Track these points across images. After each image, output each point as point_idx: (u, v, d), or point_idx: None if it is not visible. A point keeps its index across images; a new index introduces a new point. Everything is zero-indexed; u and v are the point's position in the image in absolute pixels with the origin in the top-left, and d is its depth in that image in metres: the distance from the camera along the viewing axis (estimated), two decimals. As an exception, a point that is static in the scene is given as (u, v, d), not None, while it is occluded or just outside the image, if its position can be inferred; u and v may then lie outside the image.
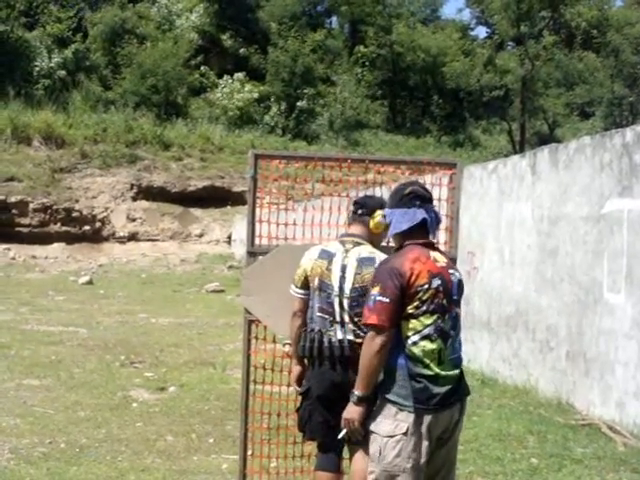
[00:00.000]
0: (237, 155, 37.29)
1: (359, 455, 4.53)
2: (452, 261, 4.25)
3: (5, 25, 41.49)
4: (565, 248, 8.69)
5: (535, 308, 9.24)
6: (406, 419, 3.80)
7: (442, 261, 3.99)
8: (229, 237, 33.84)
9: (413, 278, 3.81)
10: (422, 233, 4.01)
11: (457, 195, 5.35)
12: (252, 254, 5.37)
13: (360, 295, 4.46)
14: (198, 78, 47.02)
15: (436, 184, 5.56)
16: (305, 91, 45.35)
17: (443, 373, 3.86)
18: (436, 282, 3.86)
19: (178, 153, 37.43)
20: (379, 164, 5.89)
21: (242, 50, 50.20)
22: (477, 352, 10.44)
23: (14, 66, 39.70)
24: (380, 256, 4.53)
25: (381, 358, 3.82)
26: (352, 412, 3.98)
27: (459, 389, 3.98)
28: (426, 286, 3.83)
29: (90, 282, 22.27)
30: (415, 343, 3.82)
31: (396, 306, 3.79)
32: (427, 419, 3.81)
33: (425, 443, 3.82)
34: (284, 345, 5.52)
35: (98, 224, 33.24)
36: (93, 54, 45.72)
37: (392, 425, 3.83)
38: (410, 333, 3.83)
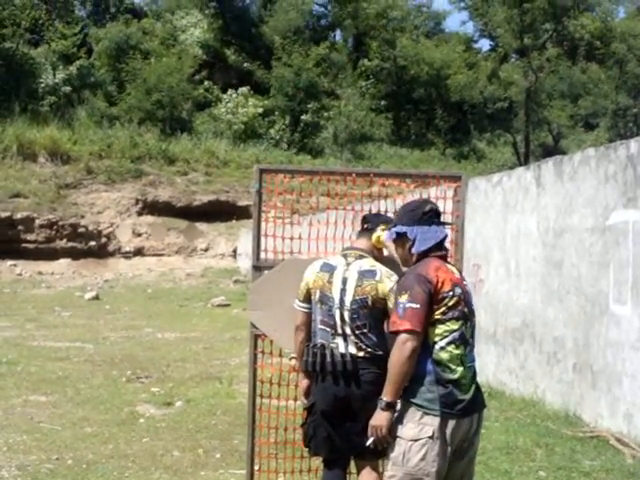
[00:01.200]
0: (242, 169, 37.33)
1: (366, 471, 4.53)
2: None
3: (11, 42, 41.67)
4: (571, 260, 8.69)
5: (541, 320, 9.23)
6: (432, 423, 3.82)
7: (457, 273, 4.12)
8: (234, 251, 33.84)
9: (440, 284, 3.90)
10: (440, 248, 4.14)
11: (462, 208, 5.35)
12: (258, 268, 5.38)
13: (360, 307, 4.51)
14: (202, 93, 47.10)
15: (441, 197, 5.57)
16: (309, 105, 45.41)
17: (465, 380, 3.92)
18: (458, 290, 3.97)
19: (183, 168, 37.46)
20: (384, 177, 5.90)
21: (246, 65, 50.33)
22: (484, 365, 10.42)
23: (20, 83, 39.79)
24: (381, 269, 4.57)
25: (412, 363, 3.82)
26: (380, 419, 3.92)
27: (477, 399, 4.02)
28: (451, 293, 3.92)
29: (96, 297, 22.30)
30: (443, 348, 3.88)
31: (426, 311, 3.84)
32: (451, 424, 3.84)
33: (449, 449, 3.85)
34: (290, 359, 5.53)
35: (104, 239, 33.26)
36: (98, 70, 45.82)
37: (417, 429, 3.84)
38: (437, 339, 3.88)
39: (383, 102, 50.54)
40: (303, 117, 45.04)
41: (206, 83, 47.88)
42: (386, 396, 3.88)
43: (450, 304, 3.91)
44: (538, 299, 9.32)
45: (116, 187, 35.04)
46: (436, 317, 3.88)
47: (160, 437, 7.73)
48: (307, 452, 4.96)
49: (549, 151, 42.25)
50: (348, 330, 4.53)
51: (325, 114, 46.07)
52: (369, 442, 4.02)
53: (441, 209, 5.50)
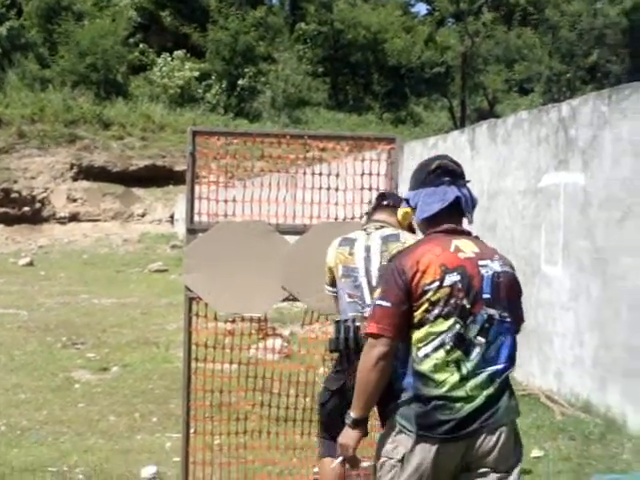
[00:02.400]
0: (179, 134, 36.87)
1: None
2: (494, 251, 3.33)
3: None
4: (504, 222, 8.81)
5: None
6: (405, 443, 3.12)
7: (470, 251, 3.19)
8: (172, 216, 33.57)
9: (418, 275, 3.10)
10: (454, 216, 3.29)
11: (395, 170, 5.37)
12: (192, 231, 5.35)
13: None
14: (137, 56, 46.31)
15: (375, 160, 5.59)
16: (246, 69, 45.05)
17: (462, 393, 3.06)
18: (452, 278, 3.10)
19: (119, 132, 36.90)
20: (318, 140, 5.89)
21: (182, 28, 49.61)
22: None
23: (-54, 45, 38.77)
24: (405, 233, 4.33)
25: (380, 374, 3.12)
26: (346, 437, 3.26)
27: (493, 414, 3.09)
28: (436, 284, 3.09)
29: (31, 264, 21.98)
30: (427, 356, 3.09)
31: (400, 310, 3.09)
32: (431, 449, 3.07)
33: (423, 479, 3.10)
34: (225, 322, 5.52)
35: (38, 205, 32.71)
36: (28, 31, 44.70)
37: (391, 445, 3.18)
38: (421, 344, 3.10)
39: (320, 66, 50.37)
40: (240, 81, 44.67)
41: (141, 46, 47.05)
42: (353, 410, 3.22)
43: (434, 299, 3.09)
44: (472, 261, 9.43)
45: (50, 152, 34.39)
46: (417, 317, 3.11)
47: (96, 402, 7.69)
48: (324, 431, 4.54)
49: (485, 116, 42.55)
50: None
51: (262, 78, 45.77)
52: (335, 463, 3.69)
53: (375, 171, 5.55)
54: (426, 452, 3.06)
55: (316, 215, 5.60)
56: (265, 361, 6.73)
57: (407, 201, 3.46)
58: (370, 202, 5.45)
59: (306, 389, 5.58)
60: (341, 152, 6.18)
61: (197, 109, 42.26)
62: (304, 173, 5.95)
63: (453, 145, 10.07)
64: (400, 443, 3.12)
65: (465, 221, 3.34)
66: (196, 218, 5.37)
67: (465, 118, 47.39)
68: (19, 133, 34.36)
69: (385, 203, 4.56)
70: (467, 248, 3.20)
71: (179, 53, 45.42)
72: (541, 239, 8.06)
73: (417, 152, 11.12)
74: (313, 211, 5.64)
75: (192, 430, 5.53)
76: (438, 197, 3.28)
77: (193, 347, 5.35)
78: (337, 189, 5.65)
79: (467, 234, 3.28)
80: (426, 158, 3.55)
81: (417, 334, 3.10)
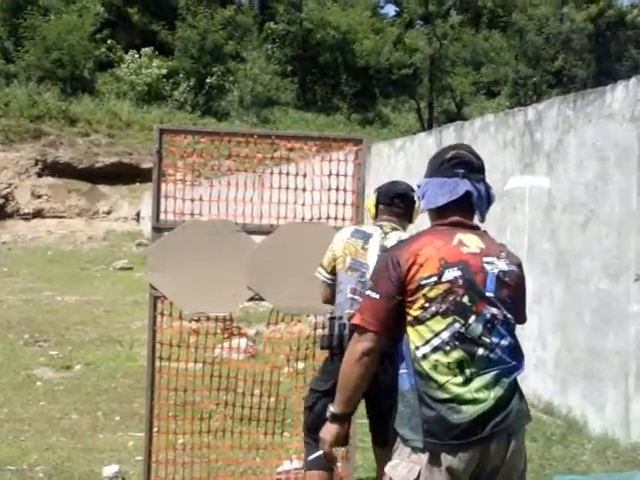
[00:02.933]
0: (145, 131, 36.70)
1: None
2: (501, 248, 3.11)
3: None
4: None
5: (440, 283, 9.40)
6: (418, 461, 2.85)
7: (474, 246, 2.98)
8: (138, 214, 33.42)
9: (415, 268, 2.90)
10: (463, 210, 3.08)
11: (362, 171, 5.39)
12: (158, 229, 5.31)
13: None
14: (105, 52, 45.99)
15: (343, 160, 5.60)
16: (214, 68, 44.96)
17: (468, 395, 2.84)
18: (452, 273, 2.90)
19: (85, 129, 36.64)
20: (286, 140, 5.89)
21: (150, 25, 49.35)
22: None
23: None
24: None
25: (364, 369, 2.97)
26: (326, 431, 3.16)
27: (505, 417, 2.87)
28: (434, 279, 2.89)
29: (-7, 260, 21.76)
30: (425, 356, 2.89)
31: (389, 304, 2.91)
32: (447, 459, 2.83)
33: None
34: (190, 321, 5.51)
35: (1, 200, 32.37)
36: (-7, 26, 44.29)
37: (406, 469, 2.89)
38: (419, 343, 2.90)
39: (289, 66, 50.39)
40: (208, 80, 44.58)
41: (109, 42, 46.72)
42: (334, 405, 3.10)
43: (431, 295, 2.89)
44: (438, 263, 9.48)
45: (14, 147, 34.06)
46: (413, 314, 2.91)
47: (58, 400, 7.63)
48: (310, 435, 4.31)
49: (452, 118, 42.83)
50: None
51: (231, 77, 45.70)
52: (316, 454, 3.53)
53: (342, 172, 5.56)
54: (443, 463, 2.83)
55: (283, 215, 5.60)
56: (230, 360, 6.71)
57: (418, 187, 3.24)
58: (337, 203, 5.47)
59: (271, 389, 5.58)
60: (309, 152, 6.18)
61: (164, 107, 42.10)
62: (271, 173, 5.95)
63: (420, 147, 10.11)
64: (415, 463, 2.87)
65: (476, 218, 3.13)
66: (162, 216, 5.34)
67: (432, 120, 47.67)
68: (-17, 128, 34.02)
69: (401, 207, 4.48)
70: (472, 243, 2.99)
71: (147, 50, 45.19)
72: (506, 242, 8.11)
73: (384, 153, 11.15)
74: (280, 211, 5.64)
75: (155, 429, 5.51)
76: (447, 189, 3.06)
77: (157, 346, 5.33)
78: (304, 189, 5.66)
79: (475, 228, 3.08)
80: (447, 145, 3.35)
81: (414, 332, 2.91)
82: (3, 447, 6.20)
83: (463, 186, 3.06)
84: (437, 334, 2.86)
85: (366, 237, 4.31)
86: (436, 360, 2.86)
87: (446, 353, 2.85)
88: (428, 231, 3.06)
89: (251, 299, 5.26)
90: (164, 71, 44.22)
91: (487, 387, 2.85)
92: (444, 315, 2.87)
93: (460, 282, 2.88)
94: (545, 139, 7.67)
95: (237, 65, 47.01)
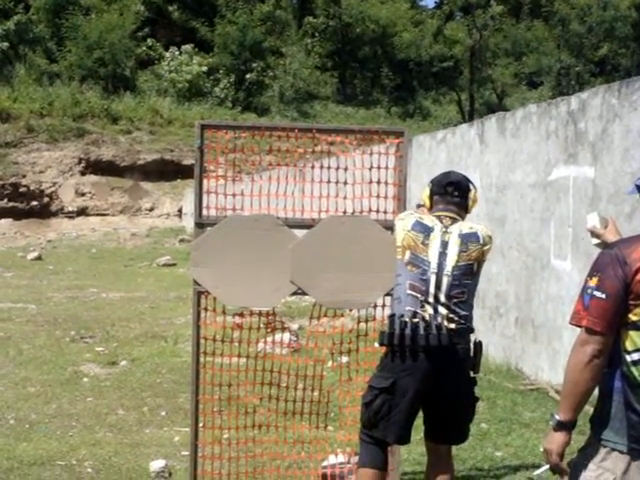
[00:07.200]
0: (186, 128, 36.92)
1: (445, 460, 4.31)
2: None
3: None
4: (513, 216, 8.78)
5: (484, 275, 9.29)
6: (613, 467, 2.75)
7: None
8: (180, 210, 33.63)
9: None
10: None
11: (404, 163, 5.35)
12: (200, 225, 5.33)
13: (463, 274, 4.17)
14: (145, 50, 46.37)
15: (384, 153, 5.57)
16: (254, 64, 45.07)
17: None
18: None
19: (127, 126, 36.96)
20: (327, 134, 5.86)
21: (190, 22, 49.60)
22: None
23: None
24: (481, 230, 4.31)
25: (593, 373, 2.79)
26: (550, 441, 2.91)
27: None
28: None
29: (39, 258, 22.00)
30: (635, 363, 2.74)
31: (616, 304, 2.74)
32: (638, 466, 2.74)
33: None
34: (234, 316, 5.50)
35: (46, 199, 32.79)
36: (36, 26, 44.76)
37: (594, 473, 2.78)
38: (630, 348, 2.75)
39: (329, 60, 50.35)
40: (248, 75, 44.71)
41: (149, 40, 47.10)
42: (558, 413, 2.89)
43: None
44: (481, 255, 9.41)
45: (58, 146, 34.48)
46: (633, 318, 2.75)
47: (104, 396, 7.69)
48: (366, 431, 4.32)
49: (493, 109, 42.48)
50: (442, 298, 4.12)
51: (270, 72, 45.78)
52: (541, 470, 3.30)
53: (384, 165, 5.53)
54: (637, 469, 2.72)
55: (325, 209, 5.58)
56: (274, 355, 6.72)
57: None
58: (378, 196, 5.44)
59: (314, 382, 5.57)
60: (349, 146, 6.15)
61: (205, 103, 42.34)
62: (312, 167, 5.95)
63: (461, 139, 10.03)
64: (606, 469, 2.76)
65: None
66: (204, 212, 5.36)
67: (474, 112, 47.34)
68: (27, 127, 34.44)
69: (456, 194, 4.41)
70: None
71: (187, 47, 45.45)
72: (550, 233, 8.03)
73: (425, 145, 11.09)
74: (322, 205, 5.62)
75: (201, 424, 5.53)
76: None
77: (202, 341, 5.35)
78: (345, 183, 5.62)
79: None
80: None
81: (629, 336, 2.76)
82: (52, 442, 6.27)
83: None
84: None
85: (427, 231, 4.23)
86: None
87: None
88: None
89: (294, 293, 5.26)
90: (204, 68, 44.46)
91: None
92: None
93: None
94: (589, 128, 7.56)
95: (277, 60, 47.08)
